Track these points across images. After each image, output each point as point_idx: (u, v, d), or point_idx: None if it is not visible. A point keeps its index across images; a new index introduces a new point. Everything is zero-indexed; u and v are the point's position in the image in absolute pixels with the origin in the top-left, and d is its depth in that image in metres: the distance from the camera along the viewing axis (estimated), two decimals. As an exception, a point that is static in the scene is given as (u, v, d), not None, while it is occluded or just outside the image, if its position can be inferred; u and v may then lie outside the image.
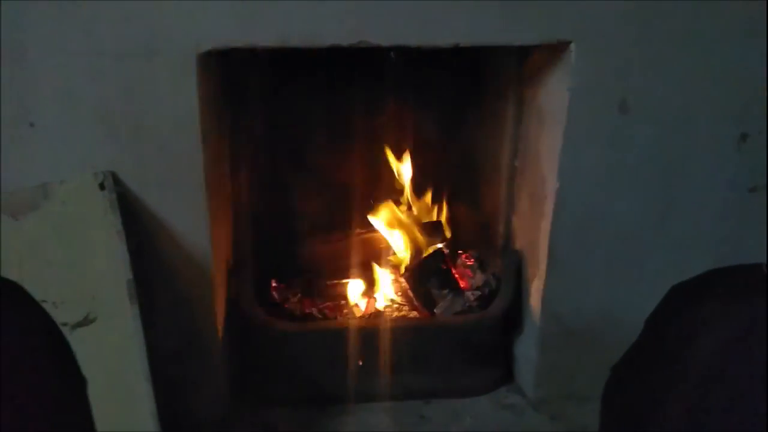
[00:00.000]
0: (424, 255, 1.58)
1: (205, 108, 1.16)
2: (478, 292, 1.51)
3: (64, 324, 1.12)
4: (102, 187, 1.13)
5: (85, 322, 1.12)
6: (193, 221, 1.21)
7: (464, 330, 1.46)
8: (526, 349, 1.49)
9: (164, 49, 1.10)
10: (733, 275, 0.62)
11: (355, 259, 1.61)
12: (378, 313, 1.52)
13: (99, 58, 1.11)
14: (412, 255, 1.60)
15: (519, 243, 1.50)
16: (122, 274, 1.11)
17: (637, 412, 0.61)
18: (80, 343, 1.10)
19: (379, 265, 1.59)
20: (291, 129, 1.58)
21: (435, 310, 1.50)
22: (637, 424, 0.60)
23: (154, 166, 1.17)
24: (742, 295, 0.58)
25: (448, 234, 1.65)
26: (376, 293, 1.55)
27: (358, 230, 1.64)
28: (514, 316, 1.50)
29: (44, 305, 1.09)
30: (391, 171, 1.60)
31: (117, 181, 1.15)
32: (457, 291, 1.53)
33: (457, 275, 1.58)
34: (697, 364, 0.56)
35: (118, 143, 1.15)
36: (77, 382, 0.63)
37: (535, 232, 1.40)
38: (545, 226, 1.34)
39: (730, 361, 0.54)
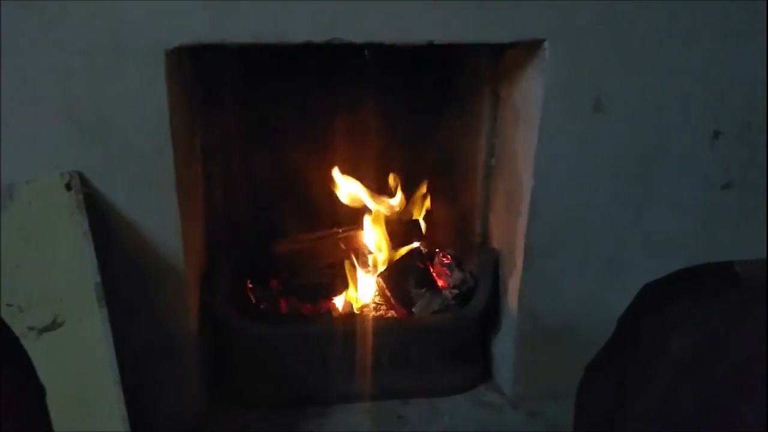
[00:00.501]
0: (401, 254, 1.57)
1: (175, 106, 1.13)
2: (456, 291, 1.51)
3: (31, 328, 1.09)
4: (68, 187, 1.10)
5: (53, 326, 1.09)
6: (164, 222, 1.18)
7: (442, 329, 1.46)
8: (504, 347, 1.49)
9: (132, 46, 1.08)
10: (704, 275, 0.62)
11: (331, 258, 1.59)
12: (355, 313, 1.51)
13: (65, 55, 1.08)
14: (389, 254, 1.59)
15: (496, 241, 1.50)
16: (90, 277, 1.08)
17: (610, 411, 0.61)
18: (48, 348, 1.09)
19: (357, 264, 1.57)
20: (266, 127, 1.56)
21: (413, 310, 1.50)
22: (609, 422, 0.60)
23: (123, 166, 1.14)
24: (711, 296, 0.58)
25: (424, 233, 1.64)
26: (353, 293, 1.54)
27: (334, 229, 1.63)
28: (491, 315, 1.50)
29: (10, 309, 1.08)
30: (368, 169, 1.59)
31: (84, 181, 1.13)
32: (435, 290, 1.52)
33: (434, 274, 1.58)
34: (668, 364, 0.56)
35: (85, 142, 1.13)
36: (35, 392, 0.60)
37: (511, 231, 1.40)
38: (521, 224, 1.34)
39: (700, 362, 0.53)
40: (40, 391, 0.62)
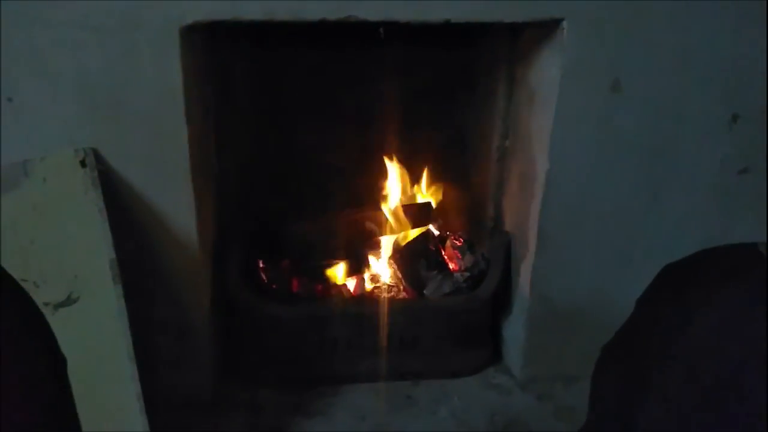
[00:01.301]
0: (414, 236, 1.57)
1: (188, 83, 1.13)
2: (467, 274, 1.50)
3: (46, 304, 1.10)
4: (83, 164, 1.11)
5: (68, 302, 1.10)
6: (177, 200, 1.18)
7: (453, 311, 1.46)
8: (515, 330, 1.49)
9: (146, 23, 1.07)
10: (726, 256, 0.61)
11: (344, 239, 1.59)
12: (367, 295, 1.51)
13: (79, 32, 1.07)
14: (401, 236, 1.58)
15: (508, 224, 1.49)
16: (105, 253, 1.09)
17: (627, 393, 0.60)
18: (63, 324, 1.09)
19: (369, 246, 1.57)
20: (279, 106, 1.55)
21: (424, 292, 1.49)
22: (626, 404, 0.59)
23: (137, 143, 1.14)
24: (735, 276, 0.57)
25: (437, 215, 1.64)
26: (365, 274, 1.54)
27: (347, 210, 1.63)
28: (502, 297, 1.50)
29: (25, 285, 1.08)
30: (382, 150, 1.58)
31: (99, 158, 1.13)
32: (446, 272, 1.52)
33: (446, 256, 1.58)
34: (689, 346, 0.55)
35: (99, 119, 1.12)
36: (57, 362, 0.61)
37: (524, 213, 1.39)
38: (535, 207, 1.33)
39: (722, 344, 0.53)
40: (64, 362, 0.63)
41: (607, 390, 0.65)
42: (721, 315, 0.54)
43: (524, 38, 1.34)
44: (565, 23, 1.16)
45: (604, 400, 0.65)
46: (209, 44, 1.28)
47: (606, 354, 0.68)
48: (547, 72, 1.26)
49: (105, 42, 1.08)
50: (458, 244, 1.59)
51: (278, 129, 1.57)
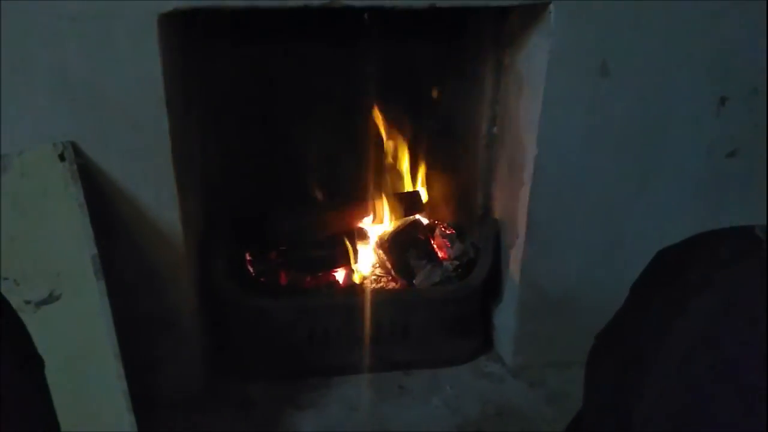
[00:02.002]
0: (402, 226, 1.56)
1: (168, 73, 1.10)
2: (457, 262, 1.50)
3: (28, 302, 1.07)
4: (62, 158, 1.08)
5: (50, 299, 1.07)
6: (160, 192, 1.16)
7: (443, 300, 1.45)
8: (505, 318, 1.48)
9: (124, 11, 1.04)
10: (723, 239, 0.60)
11: (332, 230, 1.58)
12: (356, 285, 1.49)
13: (55, 21, 1.04)
14: (390, 226, 1.57)
15: (498, 211, 1.48)
16: (87, 249, 1.06)
17: (622, 383, 0.59)
18: (45, 322, 1.07)
19: (357, 236, 1.56)
20: (264, 97, 1.52)
21: (414, 281, 1.48)
22: (621, 394, 0.58)
23: (117, 136, 1.11)
24: (732, 261, 0.55)
25: (426, 204, 1.62)
26: (354, 265, 1.53)
27: (335, 201, 1.61)
28: (493, 286, 1.49)
29: (5, 282, 1.06)
30: (369, 139, 1.56)
31: (78, 151, 1.10)
32: (436, 261, 1.51)
33: (435, 245, 1.56)
34: (685, 331, 0.54)
35: (78, 112, 1.09)
36: (33, 364, 0.59)
37: (514, 200, 1.38)
38: (524, 193, 1.32)
39: (719, 330, 0.51)
40: (39, 363, 0.60)
41: (601, 380, 0.64)
42: (718, 301, 0.53)
43: (511, 23, 1.33)
44: (552, 6, 1.15)
45: (598, 390, 0.64)
46: (191, 34, 1.25)
47: (599, 343, 0.67)
48: (534, 57, 1.24)
49: (82, 31, 1.05)
50: (447, 232, 1.58)
51: (264, 119, 1.54)
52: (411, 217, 1.59)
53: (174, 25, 1.12)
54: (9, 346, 0.57)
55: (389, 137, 1.58)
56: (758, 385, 0.48)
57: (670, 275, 0.61)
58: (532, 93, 1.26)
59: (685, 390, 0.51)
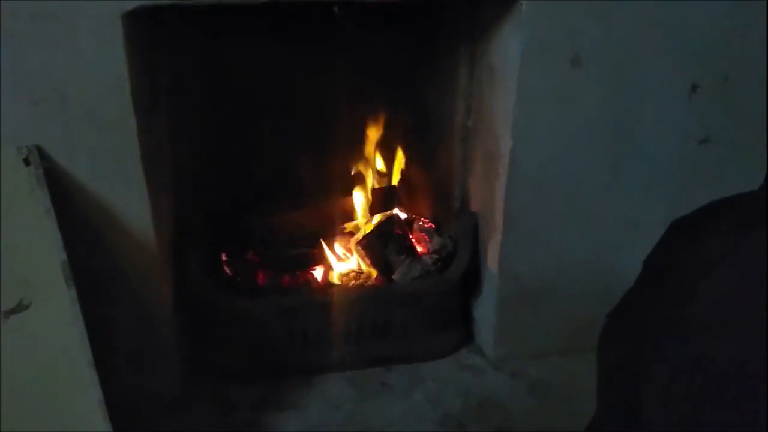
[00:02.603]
0: (379, 221, 1.55)
1: (135, 72, 1.07)
2: (436, 256, 1.49)
3: (-4, 311, 1.04)
4: (27, 162, 1.04)
5: (19, 308, 1.04)
6: (130, 195, 1.13)
7: (422, 295, 1.45)
8: (485, 310, 1.49)
9: (86, 9, 1.01)
10: (736, 208, 0.58)
11: (309, 228, 1.56)
12: (334, 283, 1.48)
13: (15, 22, 1.01)
14: (367, 222, 1.56)
15: (475, 204, 1.48)
16: (55, 256, 1.03)
17: (635, 359, 0.56)
18: (15, 331, 1.04)
19: (335, 233, 1.54)
20: (235, 94, 1.49)
21: (393, 277, 1.48)
22: (634, 371, 0.56)
23: (84, 138, 1.08)
24: (748, 230, 0.53)
25: (402, 198, 1.61)
26: (331, 262, 1.51)
27: (311, 198, 1.59)
28: (472, 278, 1.49)
29: (-29, 293, 1.02)
30: (344, 135, 1.55)
31: (43, 155, 1.06)
32: (414, 256, 1.51)
33: (413, 240, 1.56)
34: (701, 307, 0.51)
35: (42, 114, 1.06)
36: None
37: (490, 193, 1.37)
38: (500, 185, 1.32)
39: (736, 304, 0.50)
40: None
41: (611, 361, 0.62)
42: (732, 276, 0.50)
43: (483, 15, 1.32)
44: (523, -2, 1.15)
45: (610, 368, 0.62)
46: (157, 32, 1.22)
47: (610, 322, 0.64)
48: (507, 49, 1.24)
49: (43, 31, 1.02)
50: (425, 226, 1.58)
51: (236, 117, 1.52)
52: (388, 212, 1.58)
53: (139, 23, 1.09)
54: None
55: (364, 132, 1.57)
56: None
57: (683, 250, 0.58)
58: (506, 85, 1.26)
59: (700, 371, 0.49)
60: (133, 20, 1.05)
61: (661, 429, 0.53)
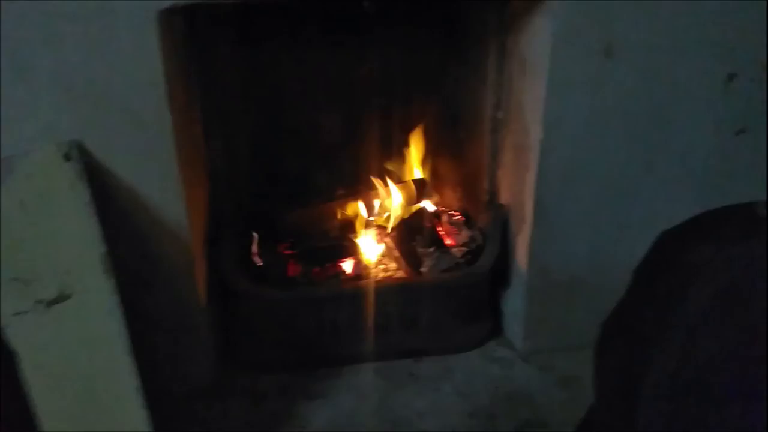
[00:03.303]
0: (409, 213, 1.55)
1: (170, 69, 1.10)
2: (465, 249, 1.49)
3: (39, 301, 1.08)
4: (67, 158, 1.08)
5: (60, 298, 1.08)
6: (166, 189, 1.16)
7: (451, 287, 1.45)
8: (514, 303, 1.48)
9: (123, 8, 1.04)
10: (725, 218, 0.59)
11: (339, 220, 1.58)
12: (364, 275, 1.50)
13: (54, 21, 1.04)
14: (397, 214, 1.57)
15: (504, 197, 1.48)
16: (95, 248, 1.07)
17: (629, 367, 0.59)
18: (56, 321, 1.08)
19: (365, 226, 1.56)
20: (267, 90, 1.51)
21: (421, 269, 1.48)
22: (629, 379, 0.58)
23: (121, 134, 1.11)
24: (731, 241, 0.55)
25: (432, 191, 1.62)
26: (362, 255, 1.53)
27: (341, 191, 1.61)
28: (501, 271, 1.49)
29: (16, 283, 1.07)
30: (374, 128, 1.55)
31: (83, 151, 1.10)
32: (443, 248, 1.51)
33: (442, 232, 1.56)
34: (687, 316, 0.53)
35: (81, 111, 1.09)
36: (6, 356, 0.59)
37: (520, 185, 1.37)
38: (530, 178, 1.31)
39: (720, 313, 0.51)
40: (11, 355, 0.60)
41: (608, 369, 0.64)
42: (718, 283, 0.52)
43: (514, 6, 1.31)
44: (555, -12, 1.13)
45: (607, 378, 0.64)
46: (191, 29, 1.24)
47: (605, 331, 0.67)
48: (538, 39, 1.23)
49: (81, 30, 1.04)
50: (454, 219, 1.58)
51: (268, 113, 1.54)
52: (418, 204, 1.58)
53: (175, 21, 1.11)
54: None
55: (395, 125, 1.57)
56: (759, 360, 0.47)
57: (671, 258, 0.60)
58: (537, 76, 1.25)
59: (690, 374, 0.50)
60: (168, 18, 1.07)
61: (653, 426, 0.54)
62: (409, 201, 1.58)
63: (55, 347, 1.07)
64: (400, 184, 1.60)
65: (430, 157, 1.62)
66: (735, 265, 0.54)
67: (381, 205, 1.58)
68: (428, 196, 1.61)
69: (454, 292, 1.45)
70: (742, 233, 0.55)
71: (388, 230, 1.53)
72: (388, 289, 1.44)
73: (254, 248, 1.49)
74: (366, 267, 1.52)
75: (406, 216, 1.55)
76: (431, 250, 1.50)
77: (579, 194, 1.32)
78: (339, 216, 1.56)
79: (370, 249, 1.54)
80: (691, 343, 0.54)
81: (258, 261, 1.47)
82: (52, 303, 1.07)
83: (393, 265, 1.53)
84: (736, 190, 1.35)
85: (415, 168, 1.63)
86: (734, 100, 1.28)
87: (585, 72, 1.21)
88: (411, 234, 1.51)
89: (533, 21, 1.23)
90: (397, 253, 1.50)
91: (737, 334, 0.51)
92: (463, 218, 1.57)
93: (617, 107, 1.25)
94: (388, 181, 1.59)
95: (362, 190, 1.57)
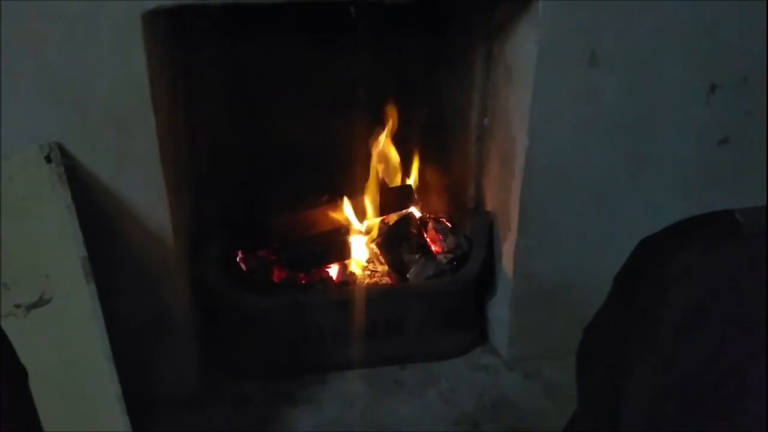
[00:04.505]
0: (394, 220, 1.55)
1: (154, 71, 1.09)
2: (450, 256, 1.49)
3: (18, 306, 1.07)
4: (48, 159, 1.07)
5: (40, 302, 1.07)
6: (149, 192, 1.15)
7: (437, 294, 1.45)
8: (500, 310, 1.48)
9: (107, 9, 1.03)
10: (704, 225, 0.60)
11: (324, 226, 1.57)
12: (349, 281, 1.49)
13: (36, 22, 1.03)
14: (382, 221, 1.56)
15: (490, 204, 1.48)
16: (76, 252, 1.05)
17: (611, 375, 0.59)
18: (36, 325, 1.07)
19: (350, 232, 1.55)
20: (252, 93, 1.51)
21: (407, 276, 1.48)
22: (611, 386, 0.58)
23: (104, 136, 1.10)
24: (711, 247, 0.55)
25: (418, 197, 1.62)
26: (347, 261, 1.52)
27: (327, 196, 1.60)
28: (486, 278, 1.49)
29: (-6, 287, 1.05)
30: (359, 135, 1.55)
31: (64, 153, 1.09)
32: (429, 255, 1.51)
33: (428, 239, 1.56)
34: (668, 323, 0.53)
35: (63, 112, 1.08)
36: (17, 375, 0.58)
37: (505, 193, 1.37)
38: (516, 185, 1.32)
39: (700, 319, 0.51)
40: (21, 372, 0.59)
41: (590, 375, 0.64)
42: (697, 290, 0.52)
43: (500, 14, 1.32)
44: (540, -4, 1.14)
45: (589, 385, 0.64)
46: (176, 30, 1.24)
47: (587, 338, 0.67)
48: (523, 47, 1.24)
49: (64, 31, 1.04)
50: (440, 226, 1.58)
51: (253, 116, 1.53)
52: (404, 210, 1.58)
53: (158, 22, 1.10)
54: None
55: (380, 131, 1.57)
56: (745, 375, 0.48)
57: (651, 265, 0.60)
58: (522, 84, 1.25)
59: (672, 382, 0.50)
60: (152, 20, 1.07)
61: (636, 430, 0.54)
62: (395, 207, 1.58)
63: (35, 352, 1.04)
64: (387, 190, 1.59)
65: (416, 163, 1.62)
66: (712, 271, 0.54)
67: (367, 211, 1.57)
68: (414, 203, 1.61)
69: (440, 298, 1.45)
70: (721, 240, 0.55)
71: (374, 236, 1.53)
72: (373, 295, 1.43)
73: (239, 253, 1.47)
74: (351, 273, 1.51)
75: (392, 222, 1.55)
76: (417, 256, 1.50)
77: (564, 202, 1.33)
78: (324, 222, 1.55)
79: (356, 255, 1.54)
80: (672, 350, 0.54)
81: (242, 266, 1.46)
82: (31, 307, 1.06)
83: (379, 272, 1.52)
84: (721, 197, 1.36)
85: (401, 174, 1.63)
86: (716, 111, 1.30)
87: (570, 80, 1.22)
88: (397, 240, 1.51)
89: (518, 29, 1.24)
90: (382, 259, 1.50)
91: (717, 340, 0.51)
92: (449, 225, 1.57)
93: (602, 116, 1.26)
94: (374, 186, 1.59)
95: (348, 195, 1.57)
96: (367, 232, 1.56)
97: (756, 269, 0.49)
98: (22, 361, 1.02)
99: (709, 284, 0.54)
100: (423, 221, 1.60)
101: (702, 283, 0.54)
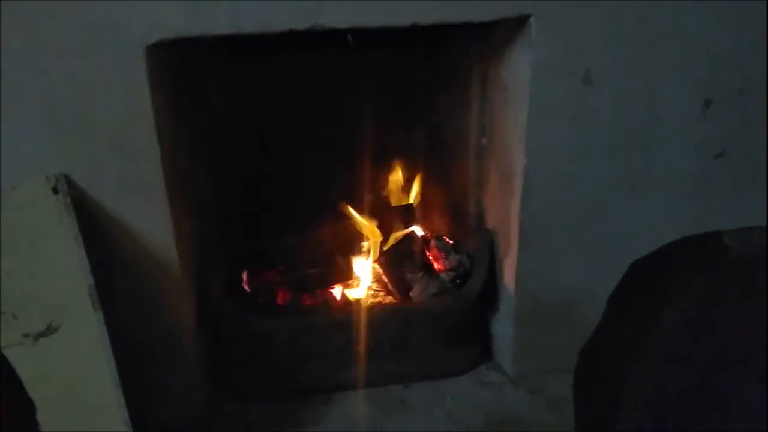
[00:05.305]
0: (397, 239, 1.57)
1: (158, 102, 1.11)
2: (453, 273, 1.50)
3: (26, 335, 1.08)
4: (55, 190, 1.09)
5: (48, 331, 1.08)
6: (154, 220, 1.17)
7: (440, 312, 1.46)
8: (503, 327, 1.49)
9: (110, 43, 1.06)
10: (693, 247, 0.61)
11: (327, 248, 1.58)
12: (353, 301, 1.50)
13: (43, 57, 1.06)
14: (384, 240, 1.58)
15: (491, 222, 1.49)
16: (83, 280, 1.07)
17: (606, 395, 0.60)
18: (44, 354, 1.08)
19: (353, 252, 1.56)
20: (255, 117, 1.53)
21: (410, 294, 1.49)
22: (607, 406, 0.59)
23: (109, 166, 1.12)
24: (699, 271, 0.57)
25: (420, 216, 1.63)
26: (350, 281, 1.53)
27: (329, 218, 1.62)
28: (489, 295, 1.50)
29: (3, 317, 1.07)
30: (361, 156, 1.57)
31: (71, 183, 1.11)
32: (432, 273, 1.52)
33: (430, 257, 1.57)
34: (658, 345, 0.55)
35: (69, 144, 1.11)
36: (23, 407, 0.59)
37: (505, 210, 1.39)
38: (515, 203, 1.33)
39: (689, 342, 0.53)
40: (29, 405, 0.61)
41: (586, 396, 0.65)
42: (686, 314, 0.54)
43: (494, 36, 1.34)
44: (532, 20, 1.16)
45: (586, 405, 0.65)
46: (179, 59, 1.26)
47: (583, 358, 0.68)
48: (518, 68, 1.26)
49: (70, 65, 1.06)
50: (442, 244, 1.59)
51: (255, 140, 1.55)
52: (406, 230, 1.60)
53: (162, 54, 1.13)
54: (4, 394, 0.57)
55: (381, 152, 1.59)
56: (732, 395, 0.49)
57: (642, 287, 0.62)
58: (519, 104, 1.27)
59: (663, 402, 0.52)
60: (156, 52, 1.09)
61: None
62: (398, 226, 1.59)
63: (43, 381, 1.06)
64: (389, 210, 1.61)
65: (418, 183, 1.63)
66: (700, 295, 0.56)
67: (369, 232, 1.59)
68: (416, 221, 1.62)
69: (444, 316, 1.46)
70: (710, 262, 0.57)
71: (378, 256, 1.54)
72: (377, 315, 1.44)
73: (243, 276, 1.49)
74: (355, 293, 1.52)
75: (394, 241, 1.56)
76: (420, 274, 1.51)
77: (564, 219, 1.34)
78: (327, 242, 1.57)
79: (360, 275, 1.55)
80: (664, 370, 0.55)
81: (247, 289, 1.48)
82: (39, 336, 1.08)
83: (382, 291, 1.53)
84: (718, 210, 1.38)
85: (403, 194, 1.65)
86: (712, 125, 1.31)
87: (565, 99, 1.24)
88: (400, 259, 1.52)
89: (513, 50, 1.26)
90: (385, 279, 1.51)
91: (706, 363, 0.53)
92: (451, 243, 1.58)
93: (598, 133, 1.28)
94: (376, 207, 1.60)
95: (350, 217, 1.58)
96: (370, 252, 1.58)
97: (739, 294, 0.50)
98: (30, 389, 1.04)
99: (694, 310, 0.55)
100: (425, 240, 1.61)
101: (687, 309, 0.55)
